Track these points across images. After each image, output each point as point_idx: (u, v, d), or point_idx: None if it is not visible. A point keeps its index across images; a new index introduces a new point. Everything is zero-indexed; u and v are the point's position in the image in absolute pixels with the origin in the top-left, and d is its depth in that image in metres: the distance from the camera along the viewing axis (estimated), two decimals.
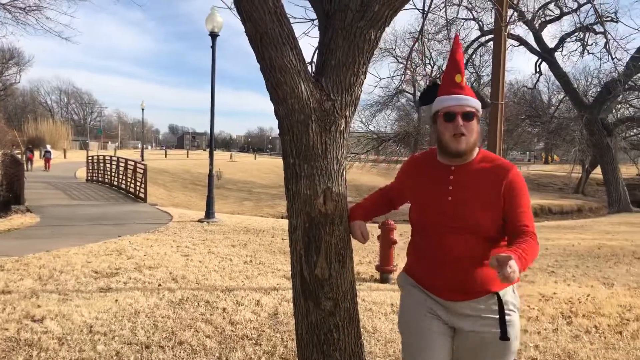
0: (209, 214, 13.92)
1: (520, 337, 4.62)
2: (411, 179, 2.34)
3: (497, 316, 2.08)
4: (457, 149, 2.12)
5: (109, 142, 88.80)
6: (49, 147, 36.44)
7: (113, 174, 22.75)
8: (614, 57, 18.20)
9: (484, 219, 2.09)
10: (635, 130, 34.69)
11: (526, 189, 2.19)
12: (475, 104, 2.16)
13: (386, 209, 2.58)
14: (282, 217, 21.13)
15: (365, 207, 2.56)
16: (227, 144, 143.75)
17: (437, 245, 2.14)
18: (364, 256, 8.89)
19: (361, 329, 2.71)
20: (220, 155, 62.87)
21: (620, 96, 27.13)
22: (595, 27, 22.49)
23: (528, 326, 5.00)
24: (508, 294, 2.14)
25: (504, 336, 2.07)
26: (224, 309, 5.31)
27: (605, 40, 12.80)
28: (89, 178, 26.40)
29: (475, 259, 2.09)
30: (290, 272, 2.73)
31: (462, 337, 2.16)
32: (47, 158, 34.40)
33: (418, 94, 32.27)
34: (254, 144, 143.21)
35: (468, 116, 2.13)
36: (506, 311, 2.09)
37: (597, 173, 34.30)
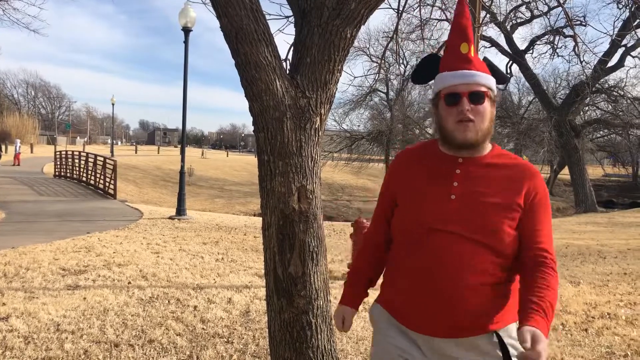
0: (180, 211, 13.77)
1: None
2: (402, 176, 1.81)
3: None
4: (464, 138, 1.65)
5: (78, 137, 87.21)
6: (18, 141, 35.53)
7: (82, 169, 22.33)
8: (582, 60, 18.60)
9: (497, 225, 1.61)
10: (601, 132, 35.55)
11: (549, 204, 1.73)
12: (486, 81, 1.67)
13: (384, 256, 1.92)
14: (254, 215, 21.07)
15: (362, 283, 1.95)
16: (199, 141, 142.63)
17: (431, 260, 1.62)
18: (336, 254, 8.91)
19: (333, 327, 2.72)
20: (192, 152, 62.36)
21: (588, 98, 27.77)
22: (564, 30, 22.99)
23: None
24: (512, 331, 1.64)
25: None
26: (195, 307, 5.26)
27: (574, 43, 13.10)
28: (57, 174, 25.87)
29: (477, 277, 1.59)
30: (263, 270, 2.72)
31: None
32: (17, 153, 33.59)
33: (391, 93, 32.58)
34: (226, 141, 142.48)
35: (477, 97, 1.64)
36: (512, 357, 1.61)
37: (565, 174, 35.07)
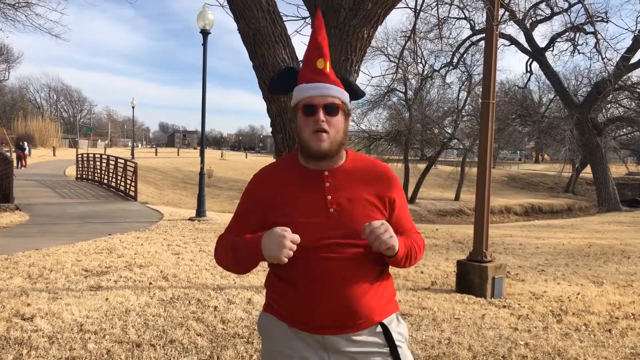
0: (200, 212, 13.88)
1: (511, 334, 4.66)
2: (271, 195, 1.80)
3: (385, 350, 1.76)
4: (319, 148, 1.72)
5: (99, 140, 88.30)
6: (25, 144, 35.80)
7: (103, 172, 22.61)
8: (604, 57, 18.34)
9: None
10: (624, 130, 35.01)
11: (403, 191, 1.93)
12: (340, 94, 1.76)
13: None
14: None
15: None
16: (218, 143, 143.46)
17: (319, 268, 1.70)
18: None
19: None
20: (211, 154, 62.71)
21: (610, 96, 27.34)
22: (585, 27, 22.61)
23: (518, 324, 5.03)
24: (393, 322, 1.82)
25: None
26: (215, 308, 5.30)
27: (595, 40, 12.92)
28: (79, 176, 26.22)
29: (362, 279, 1.74)
30: None
31: None
32: (24, 154, 33.75)
33: (410, 93, 32.44)
34: (245, 143, 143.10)
35: (331, 109, 1.72)
36: (396, 342, 1.78)
37: (587, 172, 34.61)
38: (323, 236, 1.70)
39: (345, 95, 1.79)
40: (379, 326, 1.77)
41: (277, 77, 1.91)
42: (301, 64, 1.88)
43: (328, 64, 1.79)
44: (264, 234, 1.68)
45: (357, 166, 1.82)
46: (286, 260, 1.63)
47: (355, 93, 1.90)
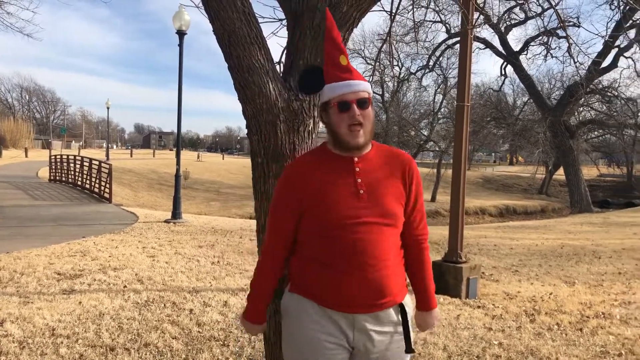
0: (176, 214, 13.75)
1: (485, 334, 4.71)
2: (306, 184, 1.92)
3: (399, 329, 1.94)
4: (357, 142, 1.88)
5: (73, 141, 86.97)
6: None
7: (77, 173, 22.26)
8: (576, 61, 18.74)
9: (399, 210, 1.94)
10: (596, 133, 35.72)
11: (421, 182, 2.09)
12: (367, 87, 1.93)
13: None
14: (250, 218, 21.04)
15: (265, 304, 2.08)
16: (195, 144, 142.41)
17: (350, 247, 1.84)
18: None
19: None
20: (187, 155, 62.21)
21: (582, 99, 27.89)
22: (558, 31, 23.04)
23: (492, 324, 5.10)
24: (408, 303, 1.99)
25: (410, 349, 1.95)
26: (190, 310, 5.26)
27: (567, 44, 13.15)
28: (52, 178, 25.79)
29: (389, 259, 1.89)
30: None
31: (364, 358, 1.94)
32: None
33: (387, 95, 32.65)
34: (222, 144, 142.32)
35: (364, 103, 1.88)
36: (409, 322, 1.96)
37: (560, 174, 35.20)
38: (354, 216, 1.85)
39: (369, 87, 1.94)
40: (398, 306, 1.94)
41: (304, 76, 2.03)
42: (322, 63, 2.02)
43: (348, 59, 1.94)
44: (258, 321, 2.04)
45: (381, 153, 1.99)
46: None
47: None
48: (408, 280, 2.05)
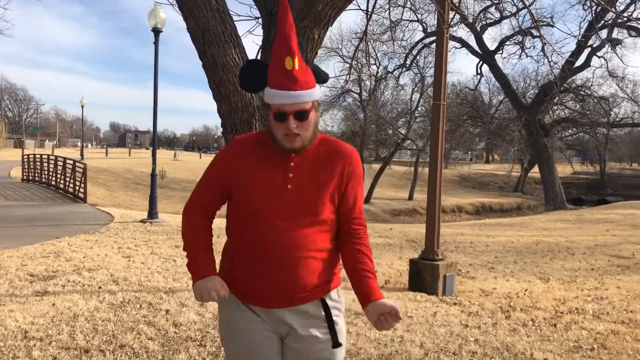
0: (152, 214, 13.61)
1: (461, 331, 4.76)
2: (240, 164, 1.90)
3: (323, 323, 1.93)
4: (292, 147, 1.83)
5: (47, 140, 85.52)
6: None
7: (51, 173, 21.91)
8: (550, 60, 18.85)
9: (325, 209, 1.89)
10: (570, 131, 36.30)
11: (362, 175, 2.03)
12: (309, 97, 1.80)
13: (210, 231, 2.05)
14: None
15: (208, 257, 1.97)
16: (171, 143, 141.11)
17: (271, 241, 1.83)
18: None
19: None
20: (163, 154, 61.64)
21: (557, 98, 28.32)
22: (532, 30, 23.35)
23: (469, 321, 5.14)
24: (333, 297, 1.97)
25: (336, 344, 1.93)
26: (167, 311, 5.21)
27: (542, 44, 13.33)
28: (25, 178, 25.34)
29: (312, 257, 1.87)
30: None
31: (292, 352, 1.94)
32: None
33: (365, 94, 32.74)
34: (199, 143, 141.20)
35: (302, 114, 1.79)
36: (333, 317, 1.94)
37: (535, 172, 35.72)
38: (278, 210, 1.83)
39: (315, 92, 1.83)
40: (320, 301, 1.92)
41: (247, 74, 1.92)
42: (270, 59, 1.88)
43: (296, 60, 1.78)
44: (204, 274, 1.86)
45: (323, 148, 1.92)
46: (201, 301, 1.83)
47: (322, 77, 1.93)
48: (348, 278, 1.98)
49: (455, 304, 5.83)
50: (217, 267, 1.98)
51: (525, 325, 5.06)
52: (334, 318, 1.93)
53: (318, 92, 1.87)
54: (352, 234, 1.95)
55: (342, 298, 2.03)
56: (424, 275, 6.33)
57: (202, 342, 4.36)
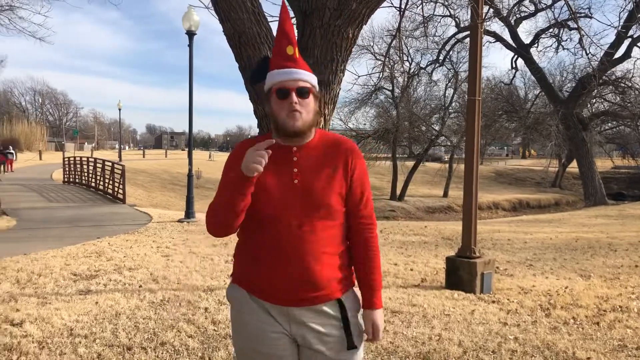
0: (189, 213, 13.84)
1: (500, 329, 4.70)
2: None
3: (338, 323, 1.93)
4: (294, 127, 1.85)
5: (85, 143, 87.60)
6: (10, 148, 35.43)
7: (90, 175, 22.46)
8: (588, 52, 18.45)
9: (335, 201, 1.90)
10: (609, 124, 35.34)
11: (367, 171, 2.06)
12: (310, 78, 1.91)
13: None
14: None
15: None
16: (206, 143, 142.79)
17: (285, 238, 1.85)
18: None
19: None
20: (199, 155, 62.50)
21: (595, 91, 27.61)
22: (569, 23, 22.83)
23: (507, 319, 5.08)
24: (349, 298, 1.98)
25: (351, 344, 1.93)
26: (206, 309, 5.29)
27: (579, 36, 13.00)
28: (66, 180, 26.03)
29: (325, 254, 1.89)
30: None
31: (308, 354, 1.94)
32: (9, 159, 33.38)
33: (397, 91, 32.51)
34: (233, 143, 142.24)
35: (303, 92, 1.86)
36: (350, 318, 1.94)
37: (574, 167, 34.86)
38: (287, 207, 1.85)
39: (314, 79, 1.92)
40: (337, 301, 1.92)
41: (255, 68, 2.04)
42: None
43: (296, 49, 1.91)
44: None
45: (323, 142, 1.96)
46: (259, 166, 1.73)
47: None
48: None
49: (493, 301, 5.76)
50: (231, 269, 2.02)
51: (567, 324, 4.97)
52: (350, 319, 1.94)
53: (316, 82, 1.93)
54: (363, 228, 1.98)
55: (359, 298, 2.03)
56: (461, 273, 6.27)
57: None
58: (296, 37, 1.96)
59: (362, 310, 1.99)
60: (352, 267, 2.01)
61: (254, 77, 2.07)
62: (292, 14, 2.82)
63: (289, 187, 1.87)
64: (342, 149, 1.96)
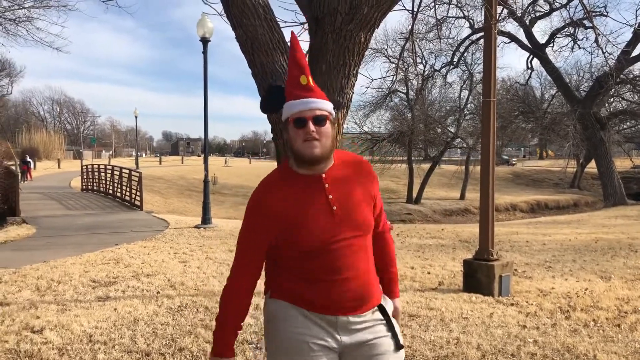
0: (206, 219, 13.91)
1: (519, 332, 4.65)
2: (279, 207, 1.92)
3: (382, 323, 1.99)
4: (312, 155, 1.88)
5: (103, 151, 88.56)
6: (27, 157, 35.89)
7: (108, 182, 22.70)
8: (604, 51, 18.21)
9: (370, 217, 2.01)
10: (628, 123, 34.85)
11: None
12: (326, 106, 1.95)
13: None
14: None
15: (232, 335, 2.03)
16: (222, 149, 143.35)
17: (331, 265, 1.89)
18: None
19: None
20: (215, 161, 62.81)
21: (613, 90, 27.25)
22: (585, 21, 22.59)
23: (527, 322, 5.02)
24: (385, 301, 2.07)
25: (399, 345, 1.99)
26: None
27: (595, 35, 12.83)
28: (84, 187, 26.34)
29: (366, 267, 1.97)
30: None
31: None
32: (28, 168, 33.69)
33: (411, 93, 32.43)
34: (248, 148, 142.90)
35: (319, 120, 1.90)
36: (393, 321, 2.03)
37: (592, 167, 34.44)
38: (332, 234, 1.89)
39: (329, 106, 1.95)
40: (378, 307, 2.01)
41: (268, 96, 2.08)
42: (285, 82, 2.07)
43: (310, 78, 1.96)
44: (222, 353, 1.96)
45: (344, 163, 2.02)
46: None
47: (335, 102, 2.12)
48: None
49: (512, 304, 5.70)
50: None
51: (587, 326, 4.90)
52: (392, 322, 2.02)
53: (332, 108, 1.96)
54: (382, 233, 2.15)
55: (389, 302, 2.13)
56: (479, 276, 6.22)
57: (258, 345, 4.42)
58: (307, 65, 2.00)
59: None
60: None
61: (268, 105, 2.13)
62: (304, 19, 2.83)
63: (329, 215, 1.91)
64: (361, 165, 2.06)
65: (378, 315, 2.00)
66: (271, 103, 2.07)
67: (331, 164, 1.98)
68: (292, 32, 2.09)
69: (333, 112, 1.98)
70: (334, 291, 1.90)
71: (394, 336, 1.99)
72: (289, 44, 2.53)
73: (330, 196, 1.92)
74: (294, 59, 1.99)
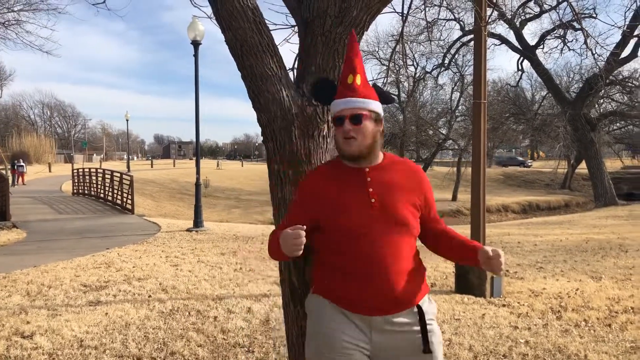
0: (197, 222, 13.87)
1: (511, 333, 4.67)
2: (323, 192, 2.05)
3: (416, 328, 2.00)
4: (349, 151, 2.01)
5: (94, 154, 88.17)
6: (20, 161, 35.60)
7: (99, 186, 22.57)
8: (594, 53, 18.33)
9: (411, 218, 2.05)
10: (618, 124, 35.12)
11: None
12: (366, 105, 2.02)
13: None
14: (271, 224, 21.06)
15: None
16: (214, 152, 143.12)
17: (366, 256, 1.96)
18: None
19: None
20: (207, 164, 62.67)
21: (602, 91, 27.44)
22: (574, 23, 22.72)
23: (518, 322, 5.04)
24: (425, 303, 2.07)
25: (427, 348, 1.99)
26: (215, 318, 5.29)
27: (584, 36, 12.91)
28: (75, 191, 26.18)
29: (403, 265, 2.00)
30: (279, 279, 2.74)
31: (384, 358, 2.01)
32: (20, 172, 33.37)
33: (403, 95, 32.54)
34: (240, 151, 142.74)
35: (356, 119, 2.00)
36: (427, 323, 2.02)
37: (583, 168, 34.66)
38: (368, 225, 1.97)
39: (372, 104, 2.04)
40: (415, 307, 2.02)
41: (314, 88, 2.29)
42: (334, 69, 2.35)
43: (358, 77, 2.05)
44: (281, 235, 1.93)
45: (393, 164, 2.11)
46: (297, 253, 1.86)
47: (386, 98, 2.17)
48: (448, 260, 2.27)
49: (503, 305, 5.72)
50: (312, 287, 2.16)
51: (578, 326, 4.93)
52: (428, 325, 2.02)
53: (376, 106, 2.06)
54: (439, 232, 2.19)
55: (434, 304, 2.15)
56: (471, 277, 6.24)
57: (250, 348, 4.41)
58: (361, 65, 2.09)
59: (478, 261, 1.99)
60: (425, 274, 2.14)
61: (317, 96, 2.30)
62: (293, 22, 2.83)
63: (367, 206, 1.99)
64: (412, 171, 2.14)
65: (414, 317, 2.01)
66: (322, 93, 2.21)
67: (378, 160, 2.09)
68: (352, 31, 2.19)
69: (378, 110, 2.07)
70: (369, 290, 1.95)
71: (425, 339, 2.00)
72: (278, 46, 2.54)
73: (371, 189, 2.02)
74: (347, 59, 2.10)
